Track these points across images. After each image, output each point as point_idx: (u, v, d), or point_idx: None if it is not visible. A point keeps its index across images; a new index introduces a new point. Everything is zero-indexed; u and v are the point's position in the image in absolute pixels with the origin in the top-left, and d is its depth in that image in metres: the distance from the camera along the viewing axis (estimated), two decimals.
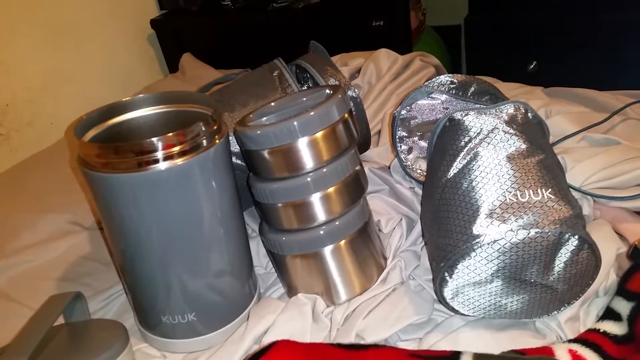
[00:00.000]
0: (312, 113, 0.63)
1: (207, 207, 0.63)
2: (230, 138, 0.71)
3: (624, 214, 0.76)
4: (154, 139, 0.57)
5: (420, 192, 0.84)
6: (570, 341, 0.60)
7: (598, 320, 0.63)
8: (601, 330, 0.61)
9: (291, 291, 0.73)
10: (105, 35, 1.58)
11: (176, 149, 0.58)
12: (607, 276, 0.67)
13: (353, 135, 0.68)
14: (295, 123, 0.62)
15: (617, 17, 1.49)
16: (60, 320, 0.68)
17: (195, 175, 0.60)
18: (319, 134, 0.63)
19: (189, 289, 0.65)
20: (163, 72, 1.78)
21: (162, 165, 0.57)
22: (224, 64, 1.54)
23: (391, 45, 1.29)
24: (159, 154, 0.57)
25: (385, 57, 1.23)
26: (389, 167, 0.91)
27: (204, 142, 0.60)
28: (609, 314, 0.63)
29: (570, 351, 0.58)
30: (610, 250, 0.68)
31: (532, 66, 1.63)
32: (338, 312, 0.69)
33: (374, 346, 0.57)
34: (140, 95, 0.69)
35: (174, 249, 0.62)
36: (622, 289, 0.64)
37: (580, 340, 0.60)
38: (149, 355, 0.68)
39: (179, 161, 0.58)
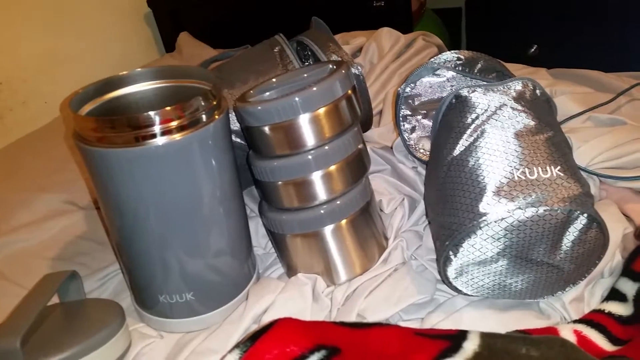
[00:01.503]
0: (314, 88, 0.61)
1: (206, 185, 0.61)
2: (230, 116, 0.70)
3: (630, 194, 0.75)
4: (152, 113, 0.55)
5: (423, 171, 0.83)
6: (575, 322, 0.59)
7: (603, 301, 0.62)
8: (606, 311, 0.60)
9: (291, 271, 0.72)
10: (101, 13, 1.55)
11: (174, 123, 0.56)
12: (613, 257, 0.66)
13: (356, 113, 0.67)
14: (297, 99, 0.60)
15: (619, 0, 1.47)
16: (55, 299, 0.67)
17: (193, 151, 0.59)
18: (322, 110, 0.62)
19: (187, 268, 0.63)
20: (159, 52, 1.76)
21: (160, 140, 0.56)
22: (222, 42, 1.52)
23: (392, 27, 1.26)
24: (157, 129, 0.56)
25: (387, 36, 1.21)
26: (392, 148, 0.90)
27: (203, 117, 0.59)
28: (614, 294, 0.62)
29: (575, 332, 0.57)
30: (617, 231, 0.68)
31: (533, 49, 1.61)
32: (338, 292, 0.68)
33: (378, 325, 0.55)
34: (138, 70, 0.68)
35: (172, 227, 0.61)
36: (629, 270, 0.63)
37: (585, 320, 0.59)
38: (146, 335, 0.67)
39: (177, 136, 0.56)
